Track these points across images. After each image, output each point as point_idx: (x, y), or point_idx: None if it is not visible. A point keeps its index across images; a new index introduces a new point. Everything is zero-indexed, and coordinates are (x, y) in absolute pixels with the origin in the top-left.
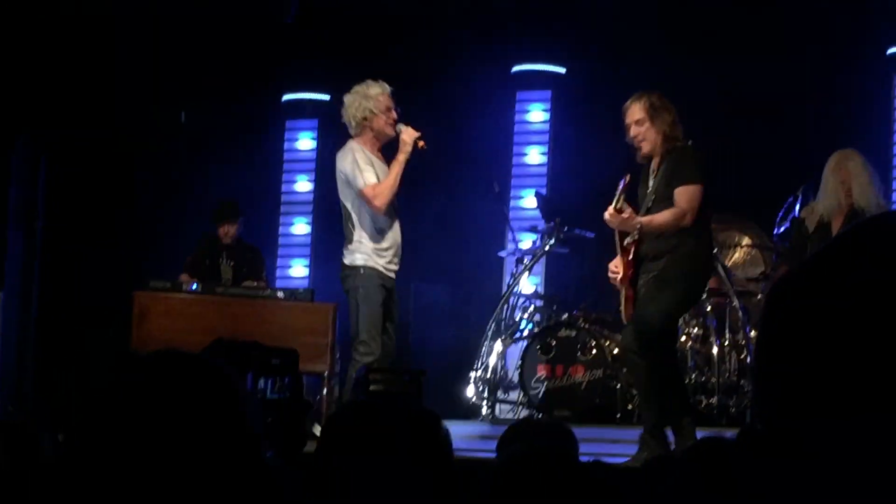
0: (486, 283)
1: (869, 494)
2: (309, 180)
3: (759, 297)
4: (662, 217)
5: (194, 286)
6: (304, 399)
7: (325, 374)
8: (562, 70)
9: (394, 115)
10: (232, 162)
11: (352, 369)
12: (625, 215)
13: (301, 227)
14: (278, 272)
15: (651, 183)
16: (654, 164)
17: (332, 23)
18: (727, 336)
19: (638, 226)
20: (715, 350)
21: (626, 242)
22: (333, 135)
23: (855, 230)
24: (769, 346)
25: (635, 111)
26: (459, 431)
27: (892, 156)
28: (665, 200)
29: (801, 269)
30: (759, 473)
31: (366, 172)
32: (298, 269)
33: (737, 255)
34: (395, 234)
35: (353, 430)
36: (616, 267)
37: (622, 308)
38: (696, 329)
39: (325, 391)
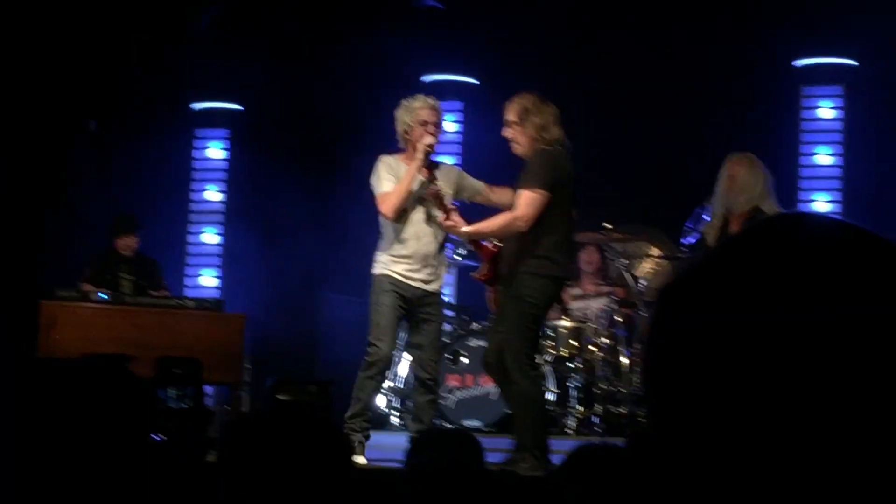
0: None
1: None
2: (219, 190)
3: None
4: (492, 224)
5: (103, 296)
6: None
7: (233, 384)
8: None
9: (430, 129)
10: (140, 170)
11: (361, 371)
12: (449, 223)
13: (211, 236)
14: (187, 282)
15: None
16: None
17: (245, 32)
18: (636, 346)
19: (466, 234)
20: (624, 360)
21: (493, 243)
22: (245, 144)
23: (739, 237)
24: (653, 372)
25: (509, 112)
26: (369, 441)
27: (798, 165)
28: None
29: (683, 280)
30: (647, 477)
31: (383, 181)
32: (208, 279)
33: (646, 265)
34: (419, 243)
35: (253, 439)
36: (482, 268)
37: (490, 302)
38: (606, 339)
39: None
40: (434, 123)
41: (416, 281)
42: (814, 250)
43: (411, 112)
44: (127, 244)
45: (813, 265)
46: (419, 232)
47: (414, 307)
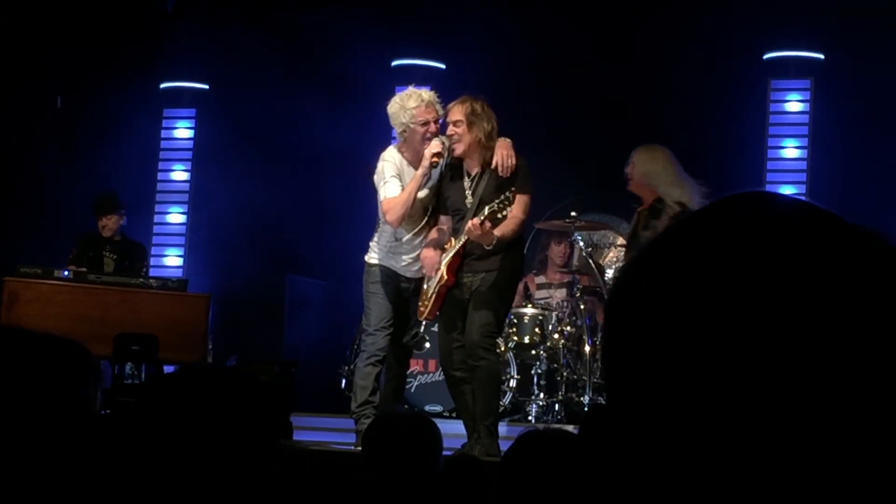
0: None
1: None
2: (185, 169)
3: None
4: (510, 228)
5: (66, 273)
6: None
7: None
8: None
9: (432, 128)
10: (107, 149)
11: (360, 361)
12: (487, 227)
13: (176, 216)
14: (153, 261)
15: (467, 185)
16: (468, 166)
17: (212, 12)
18: (599, 335)
19: (494, 240)
20: (587, 348)
21: (458, 246)
22: (211, 123)
23: (697, 215)
24: (609, 350)
25: (455, 113)
26: (329, 424)
27: (766, 159)
28: (489, 204)
29: (637, 260)
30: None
31: (388, 184)
32: (173, 259)
33: (610, 254)
34: (416, 241)
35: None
36: (438, 267)
37: (427, 305)
38: (569, 328)
39: None
40: (434, 121)
41: (411, 273)
42: (774, 230)
43: (408, 111)
44: (106, 225)
45: (771, 245)
46: (419, 231)
47: (406, 297)
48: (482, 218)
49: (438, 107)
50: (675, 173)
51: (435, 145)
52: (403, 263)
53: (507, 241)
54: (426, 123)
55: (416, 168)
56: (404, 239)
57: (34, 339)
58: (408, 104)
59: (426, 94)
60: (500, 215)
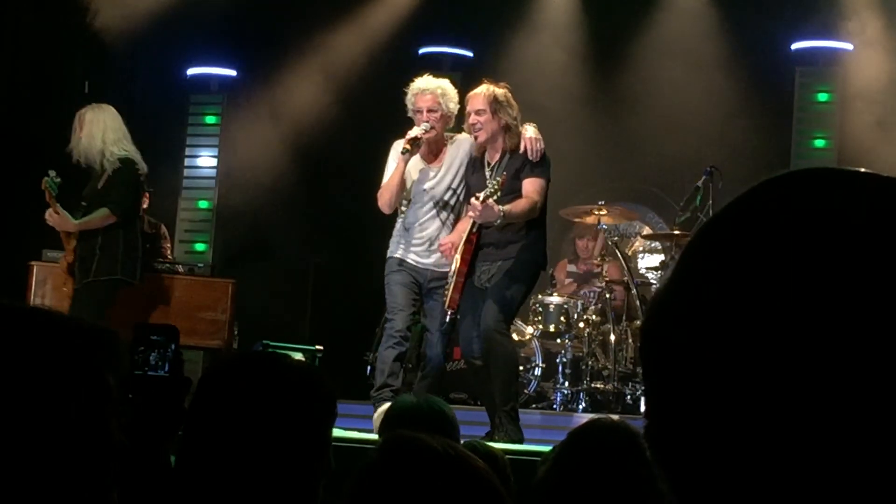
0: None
1: None
2: (212, 156)
3: (656, 286)
4: (520, 207)
5: None
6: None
7: (222, 349)
8: None
9: (422, 116)
10: (134, 135)
11: (380, 346)
12: (489, 203)
13: (203, 202)
14: (179, 247)
15: (488, 174)
16: (489, 155)
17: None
18: (624, 324)
19: (501, 215)
20: (612, 337)
21: (472, 232)
22: (238, 110)
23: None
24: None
25: (478, 101)
26: (353, 411)
27: (794, 145)
28: (511, 193)
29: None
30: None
31: (386, 171)
32: (199, 245)
33: (637, 244)
34: (424, 230)
35: (229, 385)
36: (455, 253)
37: (448, 295)
38: (595, 316)
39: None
40: (428, 109)
41: (423, 265)
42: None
43: (409, 100)
44: None
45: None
46: (425, 220)
47: (425, 289)
48: (481, 198)
49: (436, 95)
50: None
51: (415, 130)
52: (414, 255)
53: (524, 226)
54: (419, 111)
55: (424, 155)
56: (413, 227)
57: (65, 322)
58: (410, 91)
59: (423, 82)
60: (493, 199)
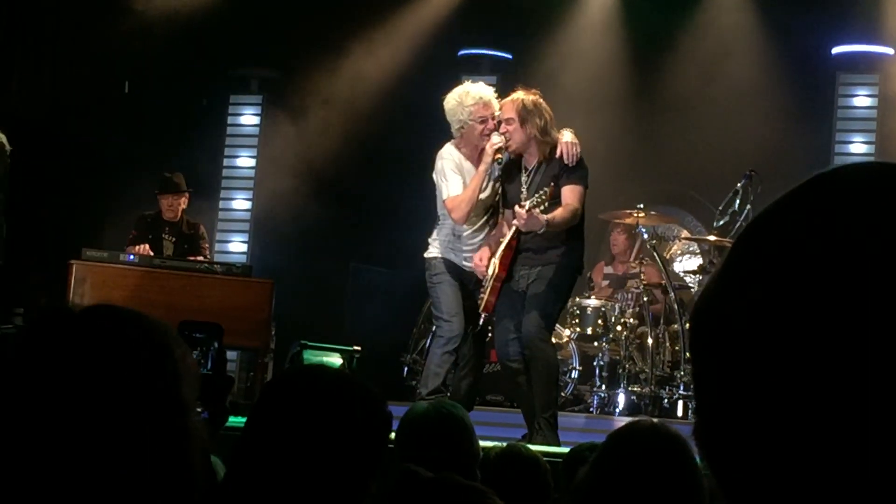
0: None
1: None
2: (251, 156)
3: (695, 289)
4: (562, 216)
5: (131, 257)
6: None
7: (260, 349)
8: None
9: (490, 125)
10: (174, 135)
11: (436, 346)
12: (534, 213)
13: (241, 202)
14: (217, 247)
15: (524, 180)
16: (526, 160)
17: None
18: (662, 327)
19: (545, 225)
20: (649, 341)
21: (512, 237)
22: (277, 111)
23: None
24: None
25: (506, 111)
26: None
27: (833, 150)
28: (549, 199)
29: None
30: None
31: (450, 182)
32: (237, 245)
33: (675, 247)
34: (476, 238)
35: (289, 399)
36: (488, 260)
37: (484, 297)
38: (632, 319)
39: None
40: (492, 117)
41: (470, 268)
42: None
43: (466, 108)
44: (170, 204)
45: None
46: (477, 227)
47: (469, 291)
48: (526, 207)
49: (496, 103)
50: None
51: (496, 141)
52: (463, 258)
53: (563, 231)
54: (484, 120)
55: (474, 164)
56: (464, 235)
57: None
58: (466, 101)
59: (483, 91)
60: (540, 209)
